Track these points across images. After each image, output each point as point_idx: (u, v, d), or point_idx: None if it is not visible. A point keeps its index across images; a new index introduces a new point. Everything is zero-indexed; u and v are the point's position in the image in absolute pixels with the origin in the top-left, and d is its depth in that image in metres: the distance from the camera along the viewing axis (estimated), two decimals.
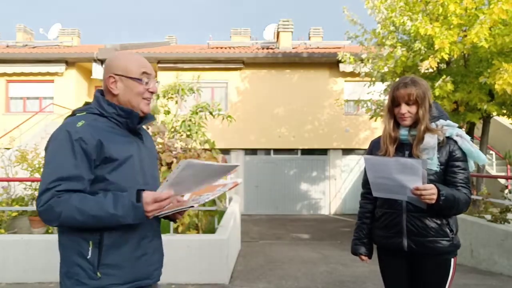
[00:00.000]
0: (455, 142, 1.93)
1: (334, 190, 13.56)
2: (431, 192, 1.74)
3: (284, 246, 7.53)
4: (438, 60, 6.55)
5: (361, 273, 5.19)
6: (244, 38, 16.27)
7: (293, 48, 14.23)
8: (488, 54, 6.52)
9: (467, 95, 6.87)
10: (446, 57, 6.44)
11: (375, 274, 4.51)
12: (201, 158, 5.65)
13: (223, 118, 7.31)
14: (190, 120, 6.87)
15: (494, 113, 7.31)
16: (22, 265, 4.57)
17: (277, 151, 13.62)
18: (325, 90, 13.31)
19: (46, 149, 1.51)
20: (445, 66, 7.60)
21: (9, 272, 4.55)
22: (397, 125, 2.00)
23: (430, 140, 1.89)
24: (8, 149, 9.37)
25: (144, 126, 1.81)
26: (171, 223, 4.77)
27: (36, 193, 3.79)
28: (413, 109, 1.92)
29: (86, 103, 1.63)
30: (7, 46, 15.24)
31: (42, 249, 4.60)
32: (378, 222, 2.08)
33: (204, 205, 5.14)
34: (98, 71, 12.57)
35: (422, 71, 6.68)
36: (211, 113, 7.23)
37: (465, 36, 6.39)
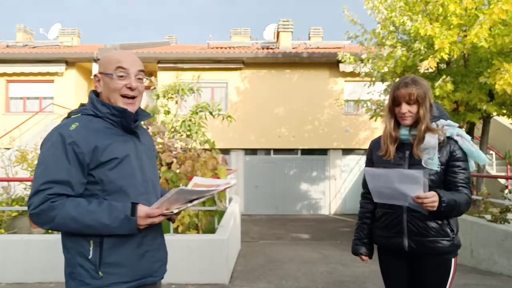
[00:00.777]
0: (456, 142, 1.92)
1: (334, 190, 13.57)
2: (432, 200, 1.75)
3: (284, 246, 7.53)
4: (438, 60, 6.55)
5: (361, 273, 5.19)
6: (244, 38, 16.26)
7: (293, 48, 14.23)
8: (488, 54, 6.52)
9: (467, 95, 6.87)
10: (446, 57, 6.44)
11: (375, 274, 4.51)
12: (201, 158, 5.64)
13: (223, 118, 7.31)
14: (190, 120, 6.87)
15: (494, 113, 7.31)
16: (22, 265, 4.56)
17: (277, 151, 13.61)
18: (325, 90, 13.31)
19: (40, 149, 1.51)
20: (445, 66, 7.60)
21: (9, 272, 4.55)
22: (397, 124, 2.00)
23: (431, 140, 1.89)
24: (8, 149, 9.37)
25: (143, 124, 1.80)
26: (171, 223, 4.77)
27: None
28: (413, 108, 1.92)
29: (82, 105, 1.63)
30: (7, 46, 15.24)
31: (42, 249, 4.60)
32: (379, 222, 2.08)
33: (204, 205, 5.14)
34: None
35: (422, 71, 6.68)
36: (211, 113, 7.23)
37: (465, 36, 6.39)
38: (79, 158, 1.44)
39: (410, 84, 1.92)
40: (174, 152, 5.74)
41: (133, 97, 1.58)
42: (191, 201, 1.52)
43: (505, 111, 7.46)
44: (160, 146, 5.82)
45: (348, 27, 15.54)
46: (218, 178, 5.46)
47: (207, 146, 6.56)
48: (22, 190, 6.32)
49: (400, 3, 7.04)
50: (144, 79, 1.64)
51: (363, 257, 2.17)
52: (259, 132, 13.21)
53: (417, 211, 1.90)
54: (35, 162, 6.64)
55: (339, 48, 13.69)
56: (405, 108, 1.92)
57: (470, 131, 7.70)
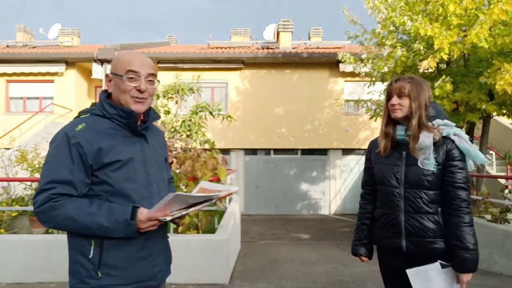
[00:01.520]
0: (453, 141, 1.90)
1: (334, 190, 13.57)
2: (467, 279, 1.94)
3: (284, 246, 7.53)
4: (438, 60, 6.55)
5: (361, 273, 5.19)
6: (244, 38, 16.26)
7: (293, 48, 14.22)
8: (488, 54, 6.52)
9: (467, 95, 6.86)
10: (445, 57, 6.44)
11: (375, 274, 4.51)
12: (201, 158, 5.64)
13: (223, 118, 7.31)
14: (190, 120, 6.88)
15: (494, 113, 7.31)
16: (22, 265, 4.57)
17: (277, 151, 13.61)
18: (325, 90, 13.31)
19: (49, 146, 1.53)
20: (445, 66, 7.60)
21: (9, 272, 4.55)
22: (394, 124, 2.00)
23: (426, 139, 1.88)
24: (8, 149, 9.38)
25: (155, 125, 1.80)
26: (171, 223, 4.76)
27: None
28: (404, 101, 1.92)
29: (93, 104, 1.63)
30: (7, 46, 15.24)
31: (42, 249, 4.60)
32: (378, 222, 2.08)
33: None
34: (98, 71, 12.53)
35: (421, 71, 6.68)
36: (211, 113, 7.24)
37: (465, 36, 6.39)
38: (83, 158, 1.45)
39: (403, 79, 1.95)
40: (174, 152, 5.74)
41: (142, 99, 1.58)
42: (193, 205, 1.51)
43: (505, 111, 7.45)
44: None
45: (348, 27, 15.56)
46: (219, 179, 5.47)
47: (207, 146, 6.56)
48: (22, 190, 6.32)
49: (400, 3, 7.03)
50: (155, 82, 1.63)
51: (363, 257, 2.17)
52: (259, 132, 13.21)
53: (415, 212, 1.91)
54: (35, 162, 6.66)
55: (339, 48, 13.69)
56: (395, 100, 1.93)
57: (470, 131, 7.69)
